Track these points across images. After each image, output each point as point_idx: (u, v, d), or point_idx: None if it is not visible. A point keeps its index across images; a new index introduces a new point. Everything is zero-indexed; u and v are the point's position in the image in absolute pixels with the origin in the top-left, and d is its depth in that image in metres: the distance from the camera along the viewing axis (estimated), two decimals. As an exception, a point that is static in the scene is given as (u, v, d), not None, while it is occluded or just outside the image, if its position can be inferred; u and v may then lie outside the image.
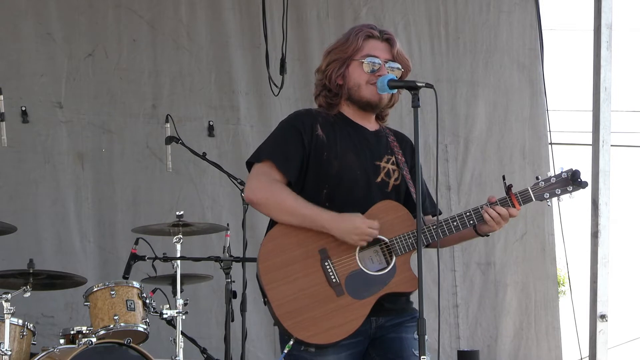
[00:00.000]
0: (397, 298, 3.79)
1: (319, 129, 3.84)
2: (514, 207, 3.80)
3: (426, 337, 3.69)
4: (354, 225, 3.69)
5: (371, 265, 3.76)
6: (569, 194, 3.85)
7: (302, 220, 3.72)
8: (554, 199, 3.87)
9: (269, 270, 3.72)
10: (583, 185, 3.84)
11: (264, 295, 3.72)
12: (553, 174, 3.87)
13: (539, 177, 3.87)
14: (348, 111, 3.93)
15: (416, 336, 3.56)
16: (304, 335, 3.67)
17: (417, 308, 3.58)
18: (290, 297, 3.69)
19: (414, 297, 3.76)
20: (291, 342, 3.69)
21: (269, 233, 3.79)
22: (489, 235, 3.89)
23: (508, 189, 3.82)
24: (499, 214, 3.78)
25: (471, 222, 3.80)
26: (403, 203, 3.86)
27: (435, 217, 3.85)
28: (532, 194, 3.84)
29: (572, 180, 3.83)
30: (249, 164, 3.88)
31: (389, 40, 3.92)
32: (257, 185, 3.80)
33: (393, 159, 3.91)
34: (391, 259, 3.74)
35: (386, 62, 3.87)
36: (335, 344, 3.69)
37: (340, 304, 3.69)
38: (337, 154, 3.82)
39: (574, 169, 3.86)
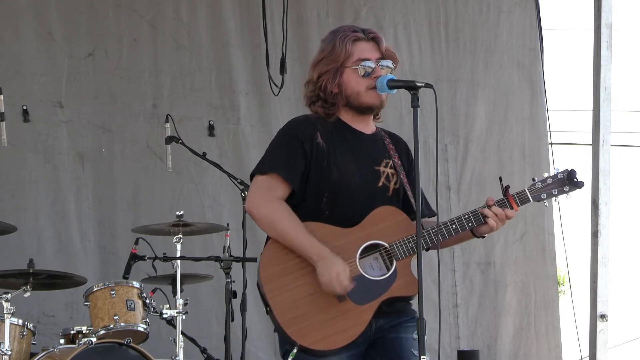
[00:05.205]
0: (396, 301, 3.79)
1: (319, 136, 3.83)
2: (512, 208, 3.82)
3: (425, 337, 3.70)
4: (331, 267, 3.67)
5: (371, 271, 3.76)
6: (565, 194, 3.88)
7: (290, 245, 3.74)
8: (551, 200, 3.88)
9: (270, 278, 3.74)
10: (579, 185, 3.87)
11: (266, 304, 3.73)
12: (549, 175, 3.88)
13: (535, 178, 3.89)
14: (346, 116, 3.92)
15: (415, 336, 3.57)
16: (307, 341, 3.69)
17: (416, 309, 3.60)
18: (292, 304, 3.70)
19: (413, 299, 3.77)
20: (295, 351, 3.70)
21: (269, 241, 3.80)
22: (484, 237, 3.90)
23: (505, 190, 3.84)
24: (495, 214, 3.79)
25: (470, 224, 3.81)
26: (402, 206, 3.87)
27: (431, 219, 3.87)
28: (529, 195, 3.86)
29: (568, 181, 3.86)
30: (252, 175, 3.88)
31: (374, 39, 3.90)
32: (259, 200, 3.80)
33: (391, 162, 3.91)
34: (391, 264, 3.75)
35: (378, 62, 3.86)
36: (337, 349, 3.70)
37: (342, 310, 3.70)
38: (336, 162, 3.81)
39: (569, 169, 3.88)
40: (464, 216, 3.81)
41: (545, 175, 3.88)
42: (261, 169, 3.84)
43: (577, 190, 3.88)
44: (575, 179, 3.85)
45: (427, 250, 3.81)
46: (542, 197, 3.86)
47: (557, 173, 3.87)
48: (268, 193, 3.79)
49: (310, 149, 3.81)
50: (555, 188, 3.86)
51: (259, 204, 3.80)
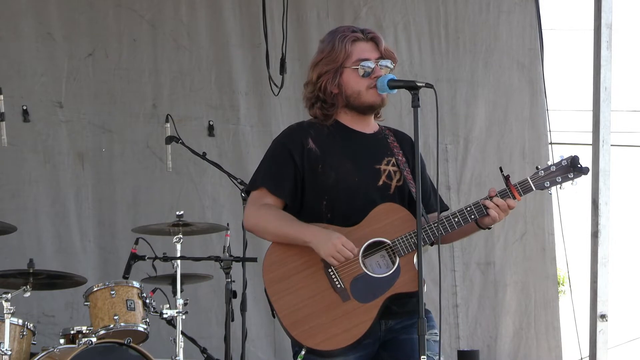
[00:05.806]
0: (406, 300, 3.78)
1: (311, 142, 3.84)
2: (514, 198, 3.80)
3: (439, 337, 3.71)
4: (329, 238, 3.68)
5: (378, 269, 3.75)
6: (570, 181, 3.81)
7: (288, 240, 3.76)
8: (555, 187, 3.83)
9: (273, 281, 3.75)
10: (584, 170, 3.81)
11: (272, 308, 3.74)
12: (553, 163, 3.84)
13: (539, 166, 3.85)
14: (345, 118, 3.92)
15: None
16: (312, 342, 3.69)
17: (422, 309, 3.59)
18: (295, 306, 3.71)
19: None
20: (303, 352, 3.71)
21: (270, 245, 3.81)
22: (490, 228, 3.87)
23: (506, 179, 3.81)
24: (497, 205, 3.77)
25: (472, 216, 3.79)
26: (407, 204, 3.85)
27: (440, 213, 3.84)
28: (532, 184, 3.81)
29: (572, 167, 3.80)
30: (248, 192, 3.94)
31: (374, 39, 3.90)
32: (248, 213, 3.88)
33: (393, 160, 3.90)
34: (395, 260, 3.75)
35: (377, 62, 3.86)
36: (343, 349, 3.70)
37: (346, 309, 3.70)
38: (332, 165, 3.82)
39: (573, 155, 3.82)
40: (466, 209, 3.80)
41: (549, 163, 3.83)
42: (253, 184, 3.90)
43: (582, 176, 3.81)
44: (579, 165, 3.79)
45: (431, 245, 3.80)
46: (546, 185, 3.80)
47: (561, 160, 3.81)
48: (256, 204, 3.85)
49: (301, 157, 3.82)
50: (559, 175, 3.80)
51: (247, 217, 3.87)
